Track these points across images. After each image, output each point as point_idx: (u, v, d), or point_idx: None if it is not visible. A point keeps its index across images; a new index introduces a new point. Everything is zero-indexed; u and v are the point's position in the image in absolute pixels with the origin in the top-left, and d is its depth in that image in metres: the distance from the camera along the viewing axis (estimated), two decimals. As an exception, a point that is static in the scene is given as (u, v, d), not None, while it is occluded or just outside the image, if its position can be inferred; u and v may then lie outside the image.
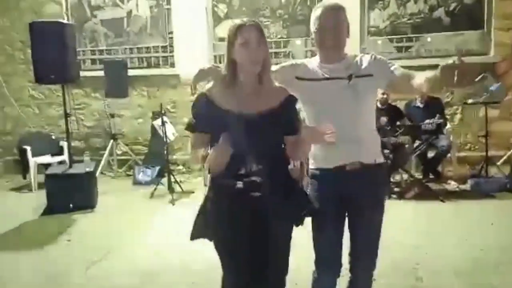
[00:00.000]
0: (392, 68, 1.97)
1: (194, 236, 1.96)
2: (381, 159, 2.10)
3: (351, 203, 2.05)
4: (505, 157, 5.72)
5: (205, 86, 1.92)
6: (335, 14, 1.98)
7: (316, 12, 2.00)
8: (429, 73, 1.76)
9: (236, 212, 1.85)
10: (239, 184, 1.82)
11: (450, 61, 1.57)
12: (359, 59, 2.02)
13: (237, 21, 1.82)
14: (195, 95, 1.90)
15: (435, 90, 1.87)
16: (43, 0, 6.89)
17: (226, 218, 1.88)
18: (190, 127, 1.95)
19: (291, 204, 1.91)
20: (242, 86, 1.85)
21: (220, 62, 6.54)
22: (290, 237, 1.97)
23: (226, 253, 1.93)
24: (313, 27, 2.01)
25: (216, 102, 1.84)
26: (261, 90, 1.85)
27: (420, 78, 1.83)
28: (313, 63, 2.06)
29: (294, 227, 1.96)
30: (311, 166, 2.11)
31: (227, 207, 1.87)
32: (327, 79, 1.99)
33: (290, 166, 2.00)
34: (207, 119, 1.86)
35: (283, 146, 1.94)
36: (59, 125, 6.85)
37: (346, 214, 2.09)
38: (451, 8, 6.11)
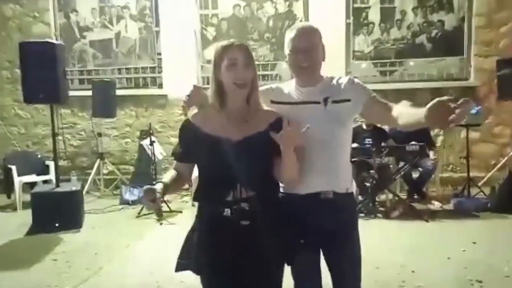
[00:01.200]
0: (370, 95, 1.91)
1: (178, 268, 1.88)
2: (351, 188, 2.03)
3: (322, 232, 1.93)
4: (486, 178, 5.87)
5: (191, 111, 1.88)
6: (309, 36, 1.91)
7: (290, 34, 1.93)
8: (410, 109, 1.71)
9: (223, 243, 1.75)
10: (227, 212, 1.74)
11: (433, 102, 1.48)
12: (336, 82, 1.94)
13: (224, 42, 1.77)
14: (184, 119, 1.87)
15: (411, 126, 1.77)
16: (31, 20, 6.95)
17: (212, 249, 1.77)
18: (175, 155, 1.90)
19: (283, 237, 1.80)
20: (230, 110, 1.78)
21: (207, 84, 6.65)
22: (282, 272, 1.86)
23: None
24: (287, 49, 1.94)
25: (202, 128, 1.78)
26: (250, 113, 1.78)
27: (398, 111, 1.78)
28: (290, 86, 2.00)
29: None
30: (281, 190, 1.97)
31: (213, 237, 1.77)
32: (302, 103, 1.91)
33: None
34: (191, 149, 1.80)
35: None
36: (45, 144, 6.85)
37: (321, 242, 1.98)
38: (432, 35, 6.36)
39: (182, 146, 1.85)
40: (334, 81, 1.95)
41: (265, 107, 1.85)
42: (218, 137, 1.74)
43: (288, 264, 1.91)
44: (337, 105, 1.89)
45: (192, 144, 1.79)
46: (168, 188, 1.78)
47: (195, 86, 1.95)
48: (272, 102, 1.94)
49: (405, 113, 1.74)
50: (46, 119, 6.75)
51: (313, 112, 1.89)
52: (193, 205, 5.62)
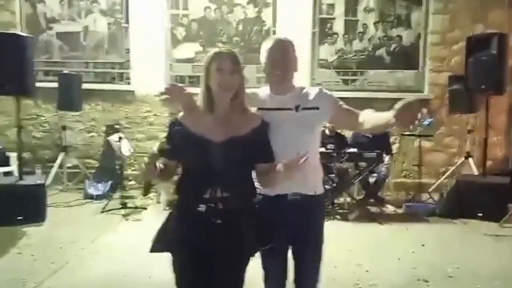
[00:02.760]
0: (338, 103, 2.10)
1: (153, 249, 1.99)
2: (320, 190, 2.19)
3: (291, 231, 2.12)
4: (435, 185, 6.31)
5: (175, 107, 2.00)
6: (284, 48, 2.09)
7: (266, 44, 2.10)
8: (374, 115, 1.94)
9: (194, 235, 1.88)
10: (201, 208, 1.87)
11: (401, 104, 1.72)
12: (307, 92, 2.12)
13: (215, 49, 1.91)
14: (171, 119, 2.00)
15: (376, 130, 2.00)
16: (-6, 8, 6.78)
17: (184, 240, 1.90)
18: (163, 152, 1.95)
19: (250, 236, 1.94)
20: (217, 112, 1.91)
21: (176, 82, 6.74)
22: (245, 268, 1.98)
23: (180, 273, 1.95)
24: (263, 59, 2.11)
25: (189, 127, 1.91)
26: (234, 117, 1.91)
27: (364, 117, 1.99)
28: (264, 92, 2.15)
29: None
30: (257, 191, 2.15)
31: (187, 228, 1.90)
32: (276, 109, 2.07)
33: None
34: (177, 146, 1.91)
35: (253, 175, 2.00)
36: (5, 134, 6.72)
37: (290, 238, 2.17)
38: (391, 49, 6.76)
39: (170, 143, 1.95)
40: (305, 91, 2.14)
41: (252, 110, 1.99)
42: (202, 137, 1.88)
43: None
44: (307, 112, 2.07)
45: (179, 141, 1.91)
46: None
47: (174, 85, 1.98)
48: (252, 107, 2.09)
49: (370, 119, 1.97)
50: (6, 109, 6.64)
51: (285, 118, 2.05)
52: (158, 202, 5.71)
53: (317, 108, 2.08)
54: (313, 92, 2.12)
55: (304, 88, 2.16)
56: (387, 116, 1.80)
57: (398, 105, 1.74)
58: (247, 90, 2.11)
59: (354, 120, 2.05)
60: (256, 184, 2.06)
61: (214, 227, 1.88)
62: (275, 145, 2.01)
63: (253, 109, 2.01)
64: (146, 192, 5.68)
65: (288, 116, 2.06)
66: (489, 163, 5.90)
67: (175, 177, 2.03)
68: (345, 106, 2.12)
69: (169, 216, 2.02)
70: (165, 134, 2.02)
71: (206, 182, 1.87)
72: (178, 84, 2.05)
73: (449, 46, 6.66)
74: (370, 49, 6.76)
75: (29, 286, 3.38)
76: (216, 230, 1.88)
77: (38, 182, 5.00)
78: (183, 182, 1.97)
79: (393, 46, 6.75)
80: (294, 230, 2.13)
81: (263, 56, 2.12)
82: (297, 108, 2.07)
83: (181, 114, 1.98)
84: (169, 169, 1.95)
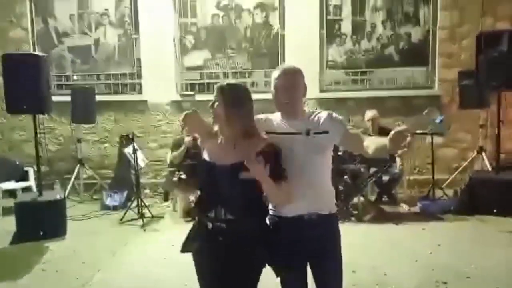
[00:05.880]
0: (346, 128, 2.20)
1: (182, 250, 2.23)
2: (334, 209, 2.26)
3: (309, 250, 2.19)
4: (448, 181, 6.30)
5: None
6: (291, 77, 2.18)
7: (275, 74, 2.21)
8: (376, 141, 2.06)
9: (205, 249, 2.09)
10: (209, 225, 2.06)
11: (396, 129, 1.83)
12: (317, 116, 2.20)
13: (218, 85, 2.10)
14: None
15: (378, 154, 2.09)
16: (7, 25, 6.90)
17: (199, 252, 2.14)
18: (174, 164, 2.28)
19: (254, 254, 2.06)
20: (226, 138, 2.09)
21: (187, 90, 6.84)
22: (251, 282, 2.09)
23: (198, 279, 2.19)
24: (271, 87, 2.22)
25: (203, 153, 2.14)
26: (242, 142, 2.04)
27: (368, 142, 2.11)
28: (277, 118, 2.25)
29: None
30: (271, 212, 2.22)
31: (200, 241, 2.13)
32: (288, 133, 2.17)
33: None
34: (195, 168, 2.21)
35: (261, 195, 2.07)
36: (22, 149, 6.85)
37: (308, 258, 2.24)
38: (400, 47, 6.75)
39: (188, 163, 2.21)
40: (314, 115, 2.22)
41: (262, 135, 2.11)
42: (211, 162, 2.09)
43: (276, 276, 2.19)
44: (318, 136, 2.16)
45: (196, 164, 2.15)
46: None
47: (189, 115, 2.16)
48: (266, 132, 2.19)
49: (372, 144, 2.07)
50: (23, 124, 6.78)
51: (296, 142, 2.14)
52: (174, 210, 5.80)
53: (327, 132, 2.16)
54: (322, 116, 2.20)
55: (313, 112, 2.24)
56: (383, 141, 1.91)
57: (391, 134, 1.84)
58: (260, 116, 2.26)
59: (360, 144, 2.13)
60: (273, 206, 2.19)
61: (220, 244, 2.04)
62: (288, 169, 2.07)
63: (263, 134, 2.12)
64: (166, 198, 6.21)
65: (300, 140, 2.15)
66: (501, 156, 5.87)
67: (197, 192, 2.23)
68: (352, 131, 2.21)
69: (194, 224, 2.23)
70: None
71: (212, 202, 2.06)
72: (194, 113, 2.16)
73: (459, 41, 6.64)
74: (379, 48, 6.77)
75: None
76: (221, 247, 2.04)
77: (58, 197, 5.10)
78: (199, 199, 2.18)
79: (402, 44, 6.75)
80: (312, 249, 2.20)
81: (272, 85, 2.22)
82: (308, 132, 2.15)
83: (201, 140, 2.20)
84: (189, 184, 2.27)
